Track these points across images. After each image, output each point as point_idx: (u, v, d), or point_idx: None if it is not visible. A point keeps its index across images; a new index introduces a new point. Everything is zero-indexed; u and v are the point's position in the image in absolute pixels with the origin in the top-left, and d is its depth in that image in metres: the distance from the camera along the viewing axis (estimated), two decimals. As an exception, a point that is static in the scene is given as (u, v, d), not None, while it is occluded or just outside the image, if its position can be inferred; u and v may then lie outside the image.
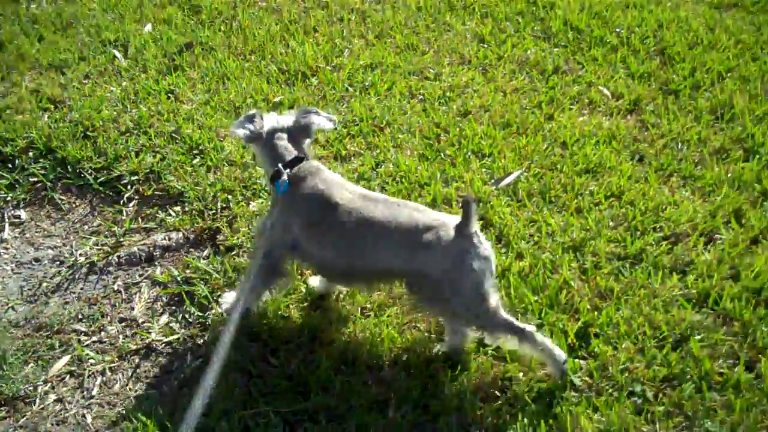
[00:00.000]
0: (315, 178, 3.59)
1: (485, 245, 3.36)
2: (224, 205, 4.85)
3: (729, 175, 4.92)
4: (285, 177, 3.54)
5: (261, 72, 6.31)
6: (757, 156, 5.07)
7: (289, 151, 3.68)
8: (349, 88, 6.03)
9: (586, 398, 3.52)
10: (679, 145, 5.26)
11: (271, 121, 3.74)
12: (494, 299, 3.41)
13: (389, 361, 3.72)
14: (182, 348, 3.97)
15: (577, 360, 3.67)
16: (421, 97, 5.95)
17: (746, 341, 3.74)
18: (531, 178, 4.94)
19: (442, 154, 5.21)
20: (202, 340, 3.93)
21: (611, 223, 4.55)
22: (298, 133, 3.76)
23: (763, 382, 3.52)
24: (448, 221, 3.36)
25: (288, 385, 3.62)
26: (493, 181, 4.93)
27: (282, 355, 3.78)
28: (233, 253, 4.49)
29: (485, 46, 6.65)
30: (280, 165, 3.60)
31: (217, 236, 4.65)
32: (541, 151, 5.22)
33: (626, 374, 3.61)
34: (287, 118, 3.77)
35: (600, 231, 4.47)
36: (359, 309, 4.00)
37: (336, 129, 3.93)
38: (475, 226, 3.32)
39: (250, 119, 3.66)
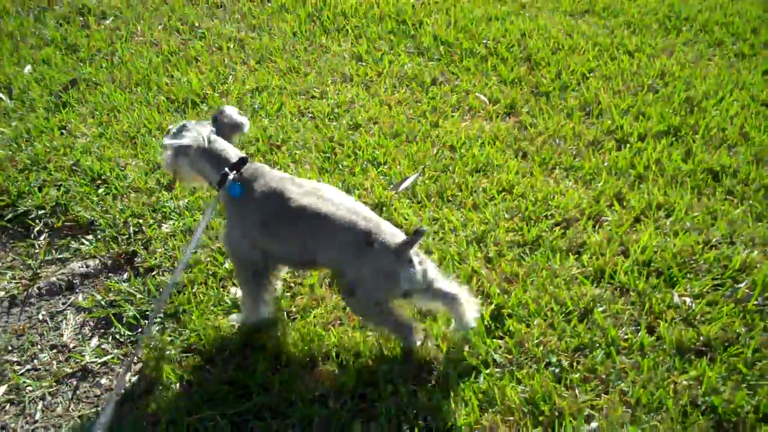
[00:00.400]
0: (265, 177, 3.57)
1: (417, 270, 3.49)
2: (136, 230, 4.88)
3: (605, 163, 5.32)
4: (231, 177, 3.55)
5: (150, 102, 6.35)
6: (628, 145, 5.51)
7: (231, 153, 3.66)
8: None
9: (509, 372, 3.76)
10: (557, 140, 5.63)
11: (201, 127, 3.67)
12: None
13: (321, 357, 3.85)
14: (118, 366, 4.00)
15: (495, 340, 3.90)
16: (311, 114, 6.14)
17: (644, 308, 4.07)
18: (427, 181, 5.19)
19: (339, 166, 5.39)
20: (136, 357, 3.94)
21: (507, 215, 4.84)
22: (229, 132, 3.75)
23: (665, 343, 3.84)
24: (385, 229, 3.47)
25: (229, 389, 3.71)
26: (392, 186, 5.14)
27: (219, 363, 3.86)
28: (153, 273, 4.52)
29: (364, 64, 6.91)
30: (226, 168, 3.57)
31: (135, 259, 4.68)
32: (432, 155, 5.48)
33: (541, 348, 3.87)
34: (207, 124, 3.73)
35: (498, 223, 4.76)
36: (285, 313, 4.12)
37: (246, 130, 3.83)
38: (414, 250, 3.47)
39: (183, 129, 3.59)
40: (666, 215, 4.82)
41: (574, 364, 3.82)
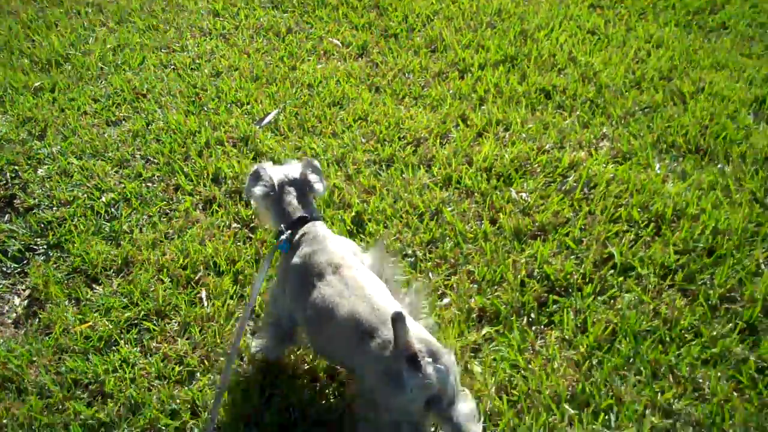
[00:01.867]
0: (308, 246, 3.25)
1: (426, 372, 2.67)
2: (13, 176, 5.03)
3: (450, 91, 5.79)
4: (284, 236, 3.30)
5: (14, 66, 6.42)
6: (470, 73, 6.00)
7: (295, 209, 3.41)
8: (104, 67, 6.32)
9: (371, 266, 4.17)
10: (406, 74, 6.07)
11: (277, 172, 3.45)
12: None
13: (202, 266, 4.16)
14: (7, 293, 4.21)
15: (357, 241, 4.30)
16: (173, 66, 6.36)
17: (486, 205, 4.55)
18: (288, 116, 5.53)
19: (205, 108, 5.66)
20: (22, 286, 4.15)
21: (363, 140, 5.25)
22: (307, 189, 3.47)
23: (505, 231, 4.33)
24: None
25: (116, 300, 4.01)
26: (255, 121, 5.46)
27: (104, 280, 4.11)
28: (33, 211, 4.72)
29: (221, 18, 7.15)
30: (282, 225, 3.36)
31: (14, 201, 4.85)
32: (291, 94, 5.82)
33: (398, 243, 4.29)
34: (293, 169, 3.50)
35: (355, 146, 5.16)
36: (164, 234, 4.42)
37: (323, 194, 3.61)
38: (413, 346, 2.67)
39: (257, 176, 3.39)
40: (504, 129, 5.32)
41: (427, 253, 4.24)
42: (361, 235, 4.32)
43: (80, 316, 3.87)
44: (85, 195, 4.78)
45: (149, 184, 4.92)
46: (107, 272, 4.17)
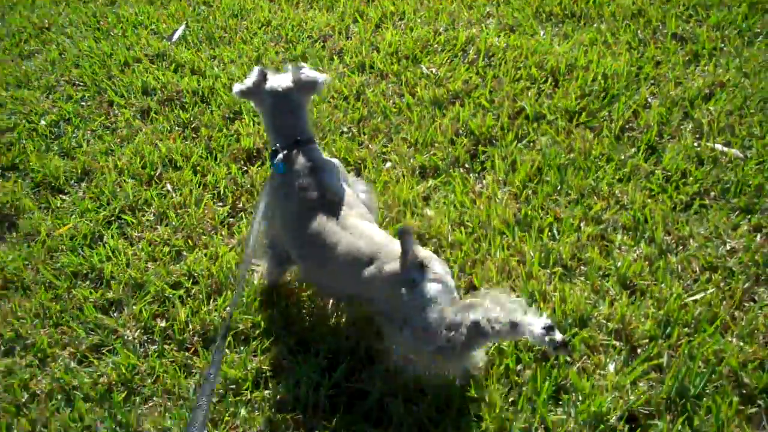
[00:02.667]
0: (304, 177, 3.16)
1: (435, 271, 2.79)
2: None
3: (342, -8, 6.13)
4: (280, 156, 3.20)
5: None
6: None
7: (292, 129, 3.29)
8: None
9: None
10: (295, -18, 6.36)
11: (274, 80, 3.31)
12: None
13: (161, 164, 4.42)
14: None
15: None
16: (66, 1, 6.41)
17: (402, 83, 4.97)
18: (194, 31, 5.75)
19: (111, 33, 5.82)
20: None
21: (272, 42, 5.54)
22: (303, 92, 3.33)
23: (424, 101, 4.77)
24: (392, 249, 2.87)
25: (88, 202, 4.19)
26: (167, 37, 5.66)
27: (70, 190, 4.30)
28: None
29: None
30: (278, 145, 3.25)
31: None
32: (189, 12, 6.02)
33: (332, 122, 4.66)
34: (286, 77, 3.33)
35: (266, 47, 5.46)
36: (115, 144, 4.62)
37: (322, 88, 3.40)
38: (419, 254, 2.78)
39: (258, 76, 3.29)
40: (399, 19, 5.72)
41: (361, 129, 4.63)
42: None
43: (59, 221, 4.03)
44: (24, 120, 4.87)
45: (83, 104, 5.05)
46: (70, 182, 4.34)
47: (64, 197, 4.22)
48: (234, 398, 3.03)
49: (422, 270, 2.72)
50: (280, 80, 3.29)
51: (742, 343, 3.04)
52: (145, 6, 6.07)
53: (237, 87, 3.30)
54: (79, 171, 4.39)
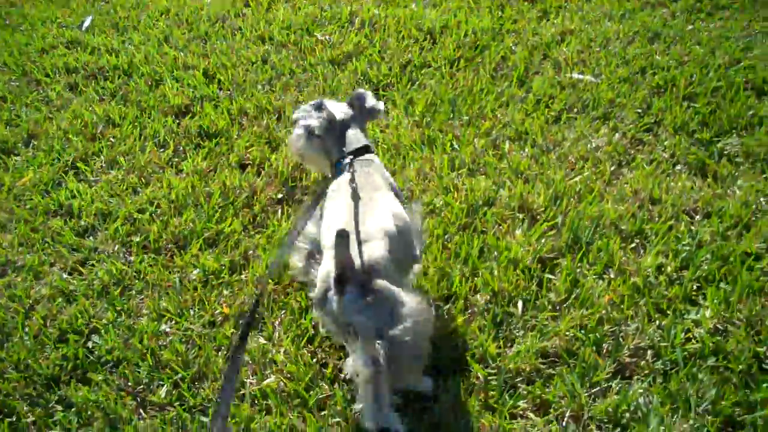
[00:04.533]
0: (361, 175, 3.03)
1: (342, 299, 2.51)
2: None
3: (228, -18, 6.63)
4: (346, 161, 3.10)
5: None
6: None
7: (358, 140, 3.23)
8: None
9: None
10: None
11: (337, 108, 3.29)
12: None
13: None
14: None
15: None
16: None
17: (300, 49, 5.55)
18: (99, 22, 6.15)
19: (17, 27, 6.12)
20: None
21: (176, 26, 6.01)
22: (365, 116, 3.34)
23: (324, 61, 5.36)
24: None
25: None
26: (76, 26, 6.05)
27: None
28: None
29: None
30: (345, 150, 3.18)
31: None
32: (89, 7, 6.42)
33: (248, 83, 5.18)
34: (345, 106, 3.33)
35: (171, 30, 5.91)
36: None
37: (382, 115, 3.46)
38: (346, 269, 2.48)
39: (319, 107, 3.26)
40: (287, 1, 6.30)
41: (273, 86, 5.16)
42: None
43: (18, 174, 4.34)
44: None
45: (13, 84, 5.33)
46: (18, 146, 4.64)
47: (15, 158, 4.48)
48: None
49: (339, 286, 2.47)
50: (341, 109, 3.28)
51: (616, 205, 3.76)
52: (47, 5, 6.33)
53: (300, 132, 3.28)
54: (25, 135, 4.65)
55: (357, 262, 2.46)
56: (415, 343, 2.46)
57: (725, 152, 4.09)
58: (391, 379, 2.41)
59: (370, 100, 3.31)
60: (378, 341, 2.37)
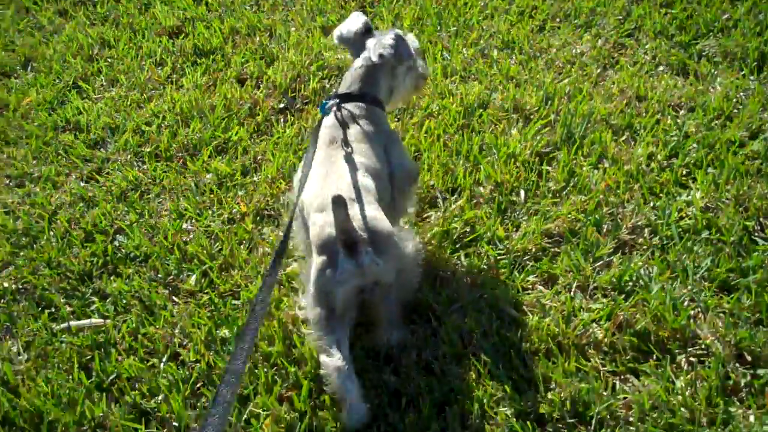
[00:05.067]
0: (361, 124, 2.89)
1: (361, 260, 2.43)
2: None
3: None
4: (330, 103, 2.91)
5: None
6: None
7: (360, 82, 3.00)
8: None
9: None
10: None
11: (372, 40, 3.02)
12: None
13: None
14: None
15: None
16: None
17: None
18: None
19: None
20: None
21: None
22: (397, 63, 3.03)
23: None
24: None
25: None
26: None
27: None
28: None
29: None
30: (334, 91, 3.08)
31: None
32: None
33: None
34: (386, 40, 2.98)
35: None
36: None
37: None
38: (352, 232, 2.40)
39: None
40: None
41: (261, 6, 5.21)
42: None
43: (21, 95, 4.39)
44: None
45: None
46: (16, 69, 4.68)
47: (15, 80, 4.51)
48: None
49: (351, 251, 2.41)
50: (383, 40, 2.97)
51: (604, 104, 3.94)
52: None
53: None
54: (22, 59, 4.68)
55: (355, 223, 2.40)
56: (415, 270, 2.67)
57: (704, 53, 4.24)
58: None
59: (413, 43, 3.11)
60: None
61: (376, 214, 2.53)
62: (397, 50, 2.95)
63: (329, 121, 2.85)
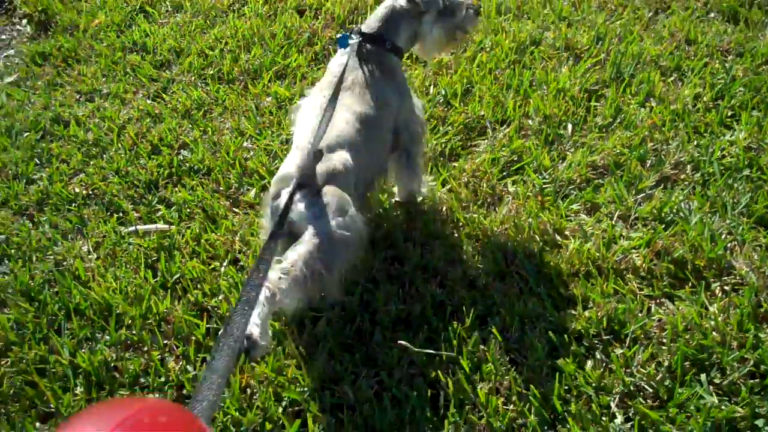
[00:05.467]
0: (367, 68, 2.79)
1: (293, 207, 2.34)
2: None
3: None
4: (353, 41, 2.84)
5: None
6: None
7: (381, 23, 2.91)
8: None
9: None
10: None
11: None
12: None
13: None
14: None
15: None
16: None
17: None
18: None
19: None
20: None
21: None
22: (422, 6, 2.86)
23: None
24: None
25: None
26: None
27: None
28: None
29: None
30: (357, 27, 2.91)
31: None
32: None
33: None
34: None
35: None
36: None
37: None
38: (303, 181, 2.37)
39: None
40: None
41: None
42: None
43: (90, 17, 4.55)
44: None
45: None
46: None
47: (85, 3, 4.68)
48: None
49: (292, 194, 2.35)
50: None
51: (654, 46, 3.99)
52: None
53: None
54: (91, -17, 4.83)
55: (318, 168, 2.38)
56: (338, 250, 2.35)
57: (755, 1, 4.24)
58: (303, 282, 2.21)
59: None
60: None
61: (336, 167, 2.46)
62: None
63: (339, 59, 2.79)
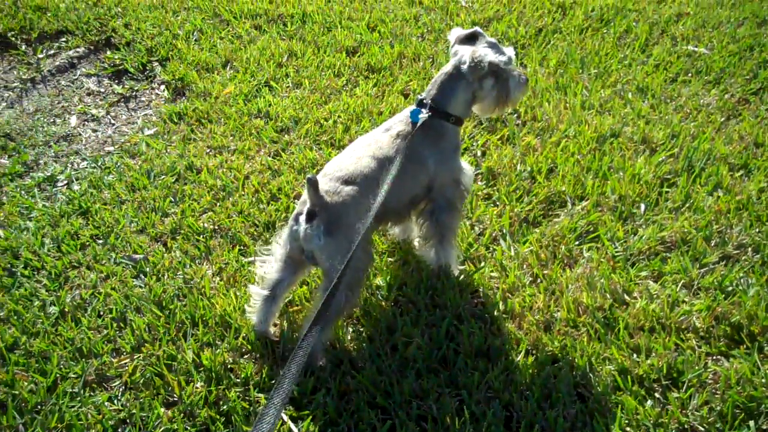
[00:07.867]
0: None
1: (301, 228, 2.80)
2: (99, 24, 6.11)
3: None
4: (423, 115, 2.98)
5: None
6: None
7: (437, 89, 3.09)
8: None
9: None
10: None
11: (466, 48, 3.05)
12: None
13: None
14: (147, 90, 5.40)
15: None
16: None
17: (447, 14, 6.23)
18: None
19: None
20: (158, 83, 5.37)
21: (338, -13, 6.74)
22: (472, 72, 2.99)
23: (468, 22, 6.05)
24: None
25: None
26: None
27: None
28: (132, 43, 5.88)
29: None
30: (420, 96, 3.08)
31: (111, 41, 5.94)
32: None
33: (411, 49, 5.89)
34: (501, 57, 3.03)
35: (336, -10, 6.65)
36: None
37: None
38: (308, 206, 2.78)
39: (497, 48, 3.06)
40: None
41: (426, 38, 5.85)
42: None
43: (221, 87, 5.15)
44: (166, 30, 5.95)
45: (207, 21, 6.16)
46: (217, 67, 5.43)
47: (217, 76, 5.27)
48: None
49: (305, 218, 2.79)
50: (476, 50, 2.99)
51: (726, 145, 4.34)
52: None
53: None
54: (223, 60, 5.42)
55: (328, 199, 2.75)
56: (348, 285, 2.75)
57: (822, 111, 4.56)
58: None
59: (482, 51, 3.00)
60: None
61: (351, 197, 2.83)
62: (482, 61, 2.91)
63: (403, 115, 3.08)
